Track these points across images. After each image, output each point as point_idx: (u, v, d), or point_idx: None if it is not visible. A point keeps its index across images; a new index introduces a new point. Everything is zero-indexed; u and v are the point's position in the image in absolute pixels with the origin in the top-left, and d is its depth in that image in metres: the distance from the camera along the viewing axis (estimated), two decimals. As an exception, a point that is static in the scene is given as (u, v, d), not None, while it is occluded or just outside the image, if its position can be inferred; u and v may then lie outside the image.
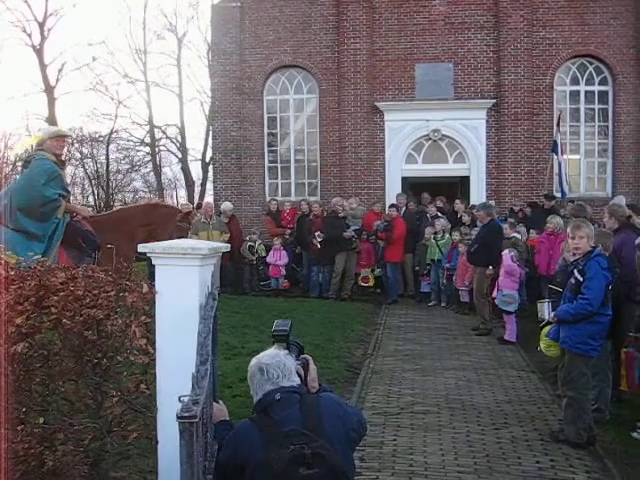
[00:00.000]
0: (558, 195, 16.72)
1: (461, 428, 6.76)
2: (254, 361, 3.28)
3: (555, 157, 16.83)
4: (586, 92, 18.42)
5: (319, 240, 15.05)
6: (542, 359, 9.32)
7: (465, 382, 8.47)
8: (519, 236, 12.63)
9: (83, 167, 35.69)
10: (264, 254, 15.95)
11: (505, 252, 11.04)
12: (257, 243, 16.07)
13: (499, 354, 10.10)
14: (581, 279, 6.16)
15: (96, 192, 35.90)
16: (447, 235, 14.22)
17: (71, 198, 8.93)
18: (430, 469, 5.73)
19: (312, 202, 16.63)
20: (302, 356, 3.49)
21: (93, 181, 36.05)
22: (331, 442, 3.02)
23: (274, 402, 3.12)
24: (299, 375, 3.33)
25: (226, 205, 16.38)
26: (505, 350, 10.34)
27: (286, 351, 3.38)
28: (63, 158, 8.50)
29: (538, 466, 5.81)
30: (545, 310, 7.34)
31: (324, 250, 15.06)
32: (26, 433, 3.86)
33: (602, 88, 18.32)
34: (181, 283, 3.81)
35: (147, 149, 36.55)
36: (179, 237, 8.89)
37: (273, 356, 3.28)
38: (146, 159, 36.98)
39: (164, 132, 36.48)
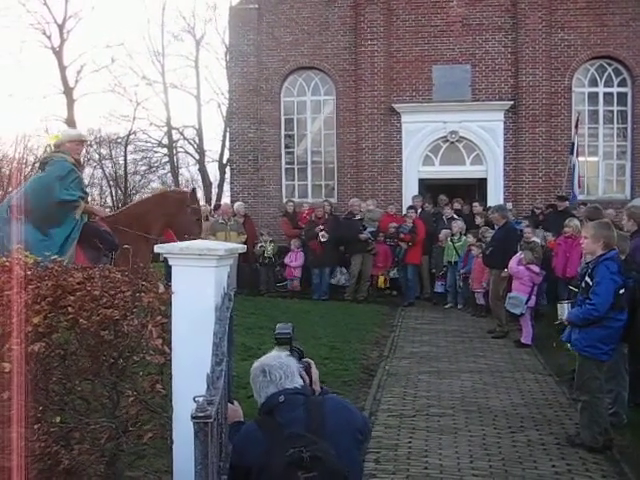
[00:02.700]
0: (580, 197, 16.63)
1: (477, 431, 6.73)
2: (256, 364, 3.28)
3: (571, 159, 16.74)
4: (605, 94, 18.27)
5: (322, 240, 15.05)
6: (559, 362, 9.29)
7: (481, 385, 8.44)
8: (538, 240, 12.54)
9: (101, 168, 36.00)
10: (271, 254, 15.90)
11: (516, 255, 11.01)
12: (267, 242, 16.02)
13: (515, 357, 10.05)
14: (591, 283, 6.13)
15: (114, 193, 36.19)
16: (464, 237, 14.17)
17: (89, 199, 8.98)
18: (445, 472, 5.71)
19: (317, 205, 16.54)
20: (304, 359, 3.48)
21: (111, 182, 36.35)
22: (336, 443, 3.00)
23: (278, 404, 3.12)
24: (302, 378, 3.34)
25: (238, 205, 16.42)
26: (522, 353, 10.28)
27: (288, 353, 3.38)
28: (81, 160, 8.56)
29: (554, 470, 5.77)
30: (565, 311, 7.31)
31: (325, 253, 15.09)
32: (43, 432, 3.89)
33: (621, 90, 18.17)
34: (197, 284, 3.82)
35: (165, 150, 36.78)
36: (197, 219, 9.03)
37: (275, 358, 3.28)
38: (164, 160, 37.24)
39: (182, 133, 36.71)
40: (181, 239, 8.58)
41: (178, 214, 8.82)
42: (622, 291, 6.13)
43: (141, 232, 8.35)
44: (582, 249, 6.91)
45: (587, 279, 6.23)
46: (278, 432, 3.01)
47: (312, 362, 3.53)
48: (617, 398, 6.89)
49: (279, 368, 3.21)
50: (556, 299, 10.42)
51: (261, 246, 15.84)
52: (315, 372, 3.50)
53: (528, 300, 10.73)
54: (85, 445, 3.98)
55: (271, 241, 16.13)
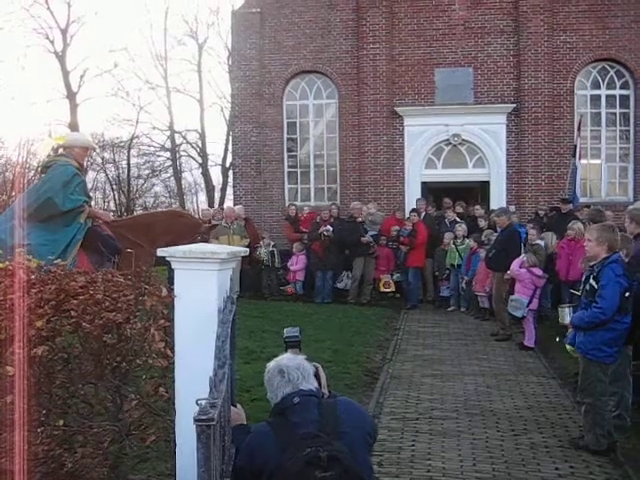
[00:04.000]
0: (582, 199, 16.63)
1: (480, 434, 6.72)
2: (272, 364, 3.29)
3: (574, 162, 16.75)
4: (607, 96, 18.27)
5: (326, 234, 15.05)
6: (562, 365, 9.27)
7: (484, 388, 8.43)
8: (542, 243, 12.53)
9: (104, 172, 36.07)
10: (264, 259, 15.88)
11: (518, 257, 11.01)
12: (262, 247, 15.99)
13: (519, 360, 10.03)
14: (596, 286, 6.12)
15: (117, 197, 36.27)
16: (467, 240, 14.17)
17: (92, 203, 8.98)
18: (448, 475, 5.70)
19: (321, 208, 16.54)
20: (312, 363, 3.49)
21: (114, 186, 36.40)
22: (349, 445, 3.01)
23: (292, 405, 3.13)
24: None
25: (238, 208, 16.43)
26: (525, 356, 10.27)
27: (303, 355, 3.39)
28: (84, 165, 8.56)
29: (557, 473, 5.76)
30: (566, 315, 7.31)
31: (328, 256, 15.11)
32: (46, 435, 3.90)
33: (623, 92, 18.17)
34: (200, 287, 3.83)
35: (168, 154, 36.84)
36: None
37: (292, 359, 3.30)
38: (167, 164, 37.31)
39: (184, 137, 36.78)
40: None
41: (186, 237, 8.81)
42: (627, 294, 6.12)
43: (145, 240, 8.34)
44: (585, 252, 6.88)
45: (592, 282, 6.21)
46: (292, 432, 3.01)
47: (319, 366, 3.54)
48: (621, 400, 6.87)
49: (296, 369, 3.22)
50: (559, 302, 10.42)
51: (259, 251, 15.84)
52: (323, 376, 3.51)
53: (530, 303, 10.71)
54: (88, 448, 3.99)
55: (274, 245, 16.13)
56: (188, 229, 8.90)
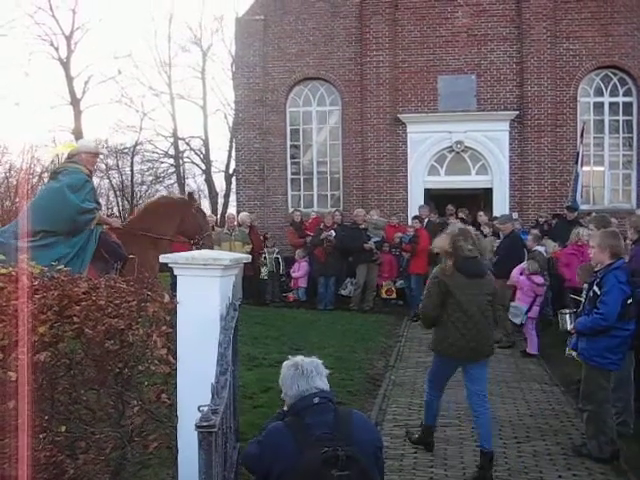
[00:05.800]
0: (584, 206, 16.62)
1: (483, 441, 6.69)
2: (287, 362, 3.40)
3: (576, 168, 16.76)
4: (610, 103, 18.29)
5: (329, 240, 15.07)
6: (565, 372, 9.25)
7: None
8: (542, 249, 12.50)
9: (108, 178, 36.11)
10: (269, 265, 15.91)
11: (520, 264, 10.99)
12: (271, 254, 16.05)
13: (522, 367, 10.01)
14: (599, 292, 6.10)
15: (121, 203, 36.27)
16: (470, 247, 14.12)
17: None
18: (451, 482, 5.70)
19: (326, 214, 16.58)
20: None
21: (118, 192, 36.44)
22: (360, 452, 3.04)
23: (311, 405, 3.17)
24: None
25: (243, 215, 16.45)
26: (528, 363, 10.25)
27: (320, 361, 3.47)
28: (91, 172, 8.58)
29: (560, 480, 5.75)
30: (567, 321, 7.31)
31: (330, 262, 15.12)
32: (48, 441, 3.90)
33: (626, 99, 18.18)
34: (202, 293, 3.84)
35: (171, 161, 36.88)
36: (203, 216, 9.26)
37: (306, 358, 3.44)
38: (170, 171, 37.32)
39: (188, 144, 36.80)
40: (193, 239, 8.83)
41: (171, 210, 8.93)
42: (629, 301, 6.11)
43: (148, 243, 8.37)
44: (590, 258, 6.85)
45: (595, 288, 6.20)
46: (307, 433, 3.05)
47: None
48: (626, 407, 6.85)
49: (310, 364, 3.34)
50: (563, 308, 10.40)
51: (264, 256, 15.90)
52: None
53: (529, 310, 10.68)
54: (90, 454, 3.98)
55: (278, 252, 16.16)
56: (179, 209, 9.03)
